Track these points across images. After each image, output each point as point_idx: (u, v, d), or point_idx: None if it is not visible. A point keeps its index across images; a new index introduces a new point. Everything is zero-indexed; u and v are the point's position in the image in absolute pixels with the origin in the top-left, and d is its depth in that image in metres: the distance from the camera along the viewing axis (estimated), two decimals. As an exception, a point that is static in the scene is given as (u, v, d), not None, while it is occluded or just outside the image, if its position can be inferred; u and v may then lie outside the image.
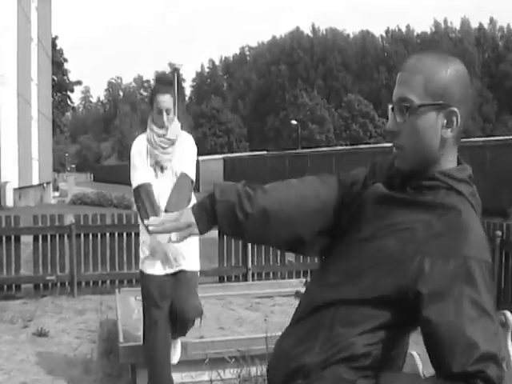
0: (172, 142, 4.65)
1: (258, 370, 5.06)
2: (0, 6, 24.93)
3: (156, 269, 4.55)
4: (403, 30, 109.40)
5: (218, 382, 5.25)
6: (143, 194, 4.50)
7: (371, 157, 30.78)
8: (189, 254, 4.61)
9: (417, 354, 3.46)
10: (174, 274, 4.58)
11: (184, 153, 4.70)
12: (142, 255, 4.69)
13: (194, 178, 4.72)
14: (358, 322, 1.88)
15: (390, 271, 1.80)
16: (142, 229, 4.68)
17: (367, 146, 41.23)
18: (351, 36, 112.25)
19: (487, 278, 1.71)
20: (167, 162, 4.62)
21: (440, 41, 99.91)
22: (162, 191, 4.55)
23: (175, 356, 4.88)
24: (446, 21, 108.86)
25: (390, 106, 1.90)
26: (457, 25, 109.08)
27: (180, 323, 4.65)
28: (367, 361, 1.87)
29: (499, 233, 6.97)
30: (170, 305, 4.55)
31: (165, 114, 4.59)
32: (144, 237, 4.65)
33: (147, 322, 4.60)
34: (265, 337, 5.14)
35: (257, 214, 2.04)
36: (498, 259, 6.97)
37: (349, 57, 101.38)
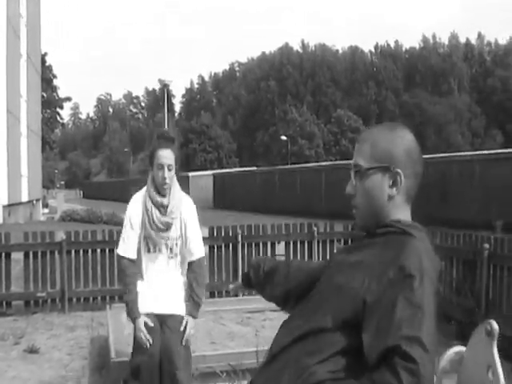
0: (169, 226, 4.51)
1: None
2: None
3: (144, 307, 4.50)
4: (392, 45, 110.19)
5: (209, 397, 5.27)
6: (123, 268, 4.53)
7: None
8: (178, 299, 4.64)
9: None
10: (163, 316, 4.54)
11: (187, 228, 4.60)
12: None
13: (203, 253, 4.69)
14: (321, 349, 1.98)
15: (345, 297, 1.98)
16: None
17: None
18: (340, 51, 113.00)
19: (425, 284, 1.87)
20: (161, 244, 4.53)
21: (428, 56, 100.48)
22: (152, 266, 4.56)
23: None
24: (434, 36, 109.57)
25: (351, 172, 2.16)
26: (445, 40, 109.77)
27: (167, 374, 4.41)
28: None
29: (487, 245, 7.04)
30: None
31: (166, 169, 4.45)
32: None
33: (135, 346, 4.51)
34: (255, 351, 5.20)
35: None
36: (485, 272, 7.05)
37: (338, 72, 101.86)
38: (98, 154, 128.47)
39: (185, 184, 44.12)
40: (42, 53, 49.17)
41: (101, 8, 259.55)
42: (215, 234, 9.44)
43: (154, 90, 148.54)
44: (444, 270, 7.72)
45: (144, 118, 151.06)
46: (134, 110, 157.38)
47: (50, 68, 63.33)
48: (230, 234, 9.46)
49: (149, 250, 4.54)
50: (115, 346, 5.62)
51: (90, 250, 9.00)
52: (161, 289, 4.56)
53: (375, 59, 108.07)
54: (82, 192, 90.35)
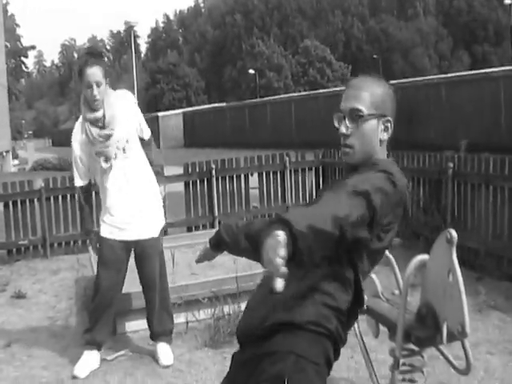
0: (108, 136, 4.54)
1: (231, 309, 5.36)
2: None
3: (111, 233, 4.68)
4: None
5: (193, 323, 5.54)
6: (78, 198, 4.95)
7: (329, 101, 31.06)
8: (147, 222, 4.74)
9: (375, 276, 3.79)
10: (132, 242, 4.73)
11: (127, 120, 4.64)
12: (101, 218, 4.81)
13: (149, 132, 4.87)
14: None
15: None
16: (102, 194, 4.81)
17: (325, 90, 41.40)
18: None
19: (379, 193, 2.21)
20: (110, 153, 4.57)
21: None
22: (115, 178, 4.62)
23: (165, 359, 4.89)
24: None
25: (340, 115, 2.46)
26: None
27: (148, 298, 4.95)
28: (334, 300, 2.30)
29: (451, 164, 7.31)
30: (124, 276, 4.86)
31: (95, 87, 4.39)
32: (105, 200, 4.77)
33: (95, 284, 4.88)
34: (235, 276, 5.48)
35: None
36: (450, 189, 7.34)
37: (304, 2, 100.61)
38: (65, 101, 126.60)
39: (154, 124, 43.56)
40: (4, 2, 48.03)
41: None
42: (189, 170, 9.59)
43: (118, 32, 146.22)
44: (412, 190, 7.99)
45: (110, 61, 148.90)
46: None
47: (12, 17, 62.08)
48: (204, 170, 9.60)
49: (106, 161, 4.57)
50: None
51: (68, 196, 9.13)
52: (127, 209, 4.67)
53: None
54: (51, 140, 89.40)
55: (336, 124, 2.48)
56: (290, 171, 10.01)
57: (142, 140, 4.78)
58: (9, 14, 58.14)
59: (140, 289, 5.68)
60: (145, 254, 4.76)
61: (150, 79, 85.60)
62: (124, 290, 5.17)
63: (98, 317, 4.83)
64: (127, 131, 4.61)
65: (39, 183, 9.11)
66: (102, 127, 4.51)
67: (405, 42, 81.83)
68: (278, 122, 37.34)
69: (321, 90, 41.49)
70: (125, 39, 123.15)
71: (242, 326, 2.49)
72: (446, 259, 3.19)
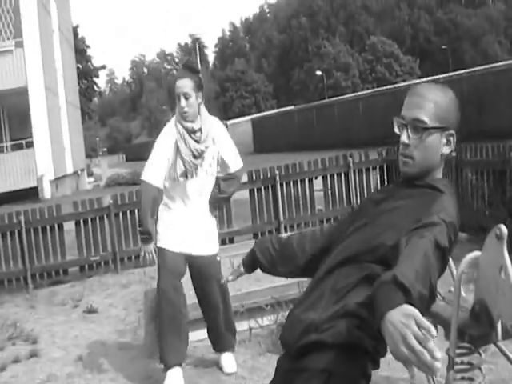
0: (203, 153, 4.55)
1: (293, 314, 5.36)
2: (21, 4, 25.24)
3: (171, 245, 4.67)
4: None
5: (256, 330, 5.58)
6: (144, 194, 4.59)
7: (398, 96, 30.66)
8: (207, 239, 4.76)
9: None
10: (191, 257, 4.73)
11: (219, 143, 4.66)
12: (159, 231, 4.76)
13: (240, 165, 4.83)
14: (355, 273, 2.26)
15: (395, 231, 2.19)
16: (164, 206, 4.76)
17: (393, 86, 40.89)
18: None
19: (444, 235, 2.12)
20: (196, 169, 4.56)
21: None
22: (187, 193, 4.61)
23: (229, 367, 4.94)
24: None
25: (402, 122, 2.36)
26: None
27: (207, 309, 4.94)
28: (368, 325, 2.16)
29: (517, 153, 7.09)
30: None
31: (183, 98, 4.40)
32: (160, 214, 4.76)
33: (158, 289, 4.81)
34: (297, 282, 5.43)
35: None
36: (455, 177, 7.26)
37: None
38: (137, 116, 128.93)
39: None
40: (74, 25, 49.37)
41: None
42: (253, 177, 9.66)
43: (186, 44, 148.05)
44: (475, 183, 7.83)
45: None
46: (169, 67, 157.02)
47: (82, 40, 63.62)
48: (268, 176, 9.67)
49: (186, 176, 4.55)
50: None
51: (136, 210, 9.30)
52: (191, 223, 4.68)
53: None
54: (124, 156, 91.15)
55: (396, 130, 2.39)
56: (354, 172, 9.95)
57: (228, 172, 4.80)
58: (79, 36, 59.52)
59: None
60: (204, 271, 4.77)
61: (219, 88, 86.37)
62: (190, 300, 5.26)
63: (169, 333, 4.76)
64: (216, 153, 4.64)
65: (107, 200, 9.32)
66: (198, 141, 4.52)
67: (474, 30, 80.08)
68: (346, 122, 37.10)
69: (388, 86, 41.00)
70: (192, 51, 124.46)
71: (282, 337, 2.47)
72: (497, 255, 3.13)
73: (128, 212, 9.35)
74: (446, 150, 2.36)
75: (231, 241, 9.52)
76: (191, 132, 4.48)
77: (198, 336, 5.61)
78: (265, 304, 5.63)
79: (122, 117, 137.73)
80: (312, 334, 2.26)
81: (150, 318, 6.55)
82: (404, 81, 56.66)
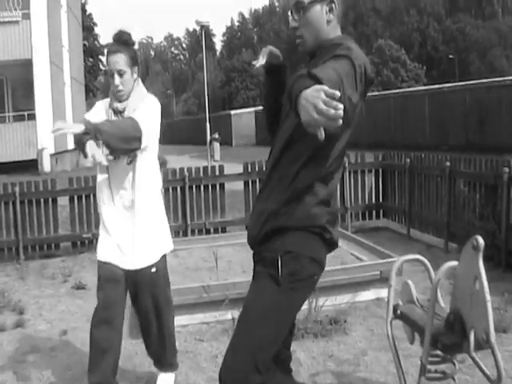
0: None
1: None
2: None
3: (108, 256, 4.06)
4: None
5: (239, 320, 5.67)
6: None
7: (402, 101, 30.78)
8: (141, 249, 4.03)
9: (411, 282, 3.84)
10: (132, 271, 4.05)
11: (148, 120, 3.88)
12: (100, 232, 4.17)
13: (141, 126, 3.73)
14: (293, 160, 2.59)
15: None
16: (99, 201, 4.12)
17: (398, 90, 40.92)
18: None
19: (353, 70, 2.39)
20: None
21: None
22: (111, 184, 4.03)
23: None
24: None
25: (289, 12, 2.64)
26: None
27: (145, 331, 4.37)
28: (321, 192, 2.62)
29: (506, 169, 7.19)
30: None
31: (116, 76, 3.89)
32: (101, 210, 4.13)
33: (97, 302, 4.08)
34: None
35: None
36: (505, 195, 7.23)
37: (379, 1, 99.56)
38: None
39: (227, 122, 43.87)
40: (82, 1, 49.29)
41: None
42: (249, 169, 9.74)
43: (194, 30, 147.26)
44: (467, 195, 7.93)
45: (186, 59, 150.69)
46: (176, 52, 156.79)
47: (90, 16, 63.34)
48: (264, 169, 9.74)
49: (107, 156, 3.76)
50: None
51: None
52: (119, 227, 4.03)
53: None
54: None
55: (290, 23, 2.66)
56: (350, 172, 10.02)
57: None
58: (87, 13, 59.34)
59: (190, 284, 5.91)
60: (136, 283, 4.12)
61: (225, 77, 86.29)
62: (174, 286, 5.35)
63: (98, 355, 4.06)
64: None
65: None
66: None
67: (482, 41, 79.98)
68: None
69: (393, 91, 41.02)
70: (200, 38, 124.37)
71: (249, 234, 2.88)
72: (472, 266, 3.21)
73: (123, 193, 9.44)
74: (330, 17, 2.62)
75: (223, 230, 9.62)
76: (118, 112, 3.99)
77: (185, 321, 5.74)
78: (249, 295, 5.70)
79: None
80: (272, 221, 2.63)
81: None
82: (409, 87, 56.57)
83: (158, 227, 4.15)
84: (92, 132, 3.43)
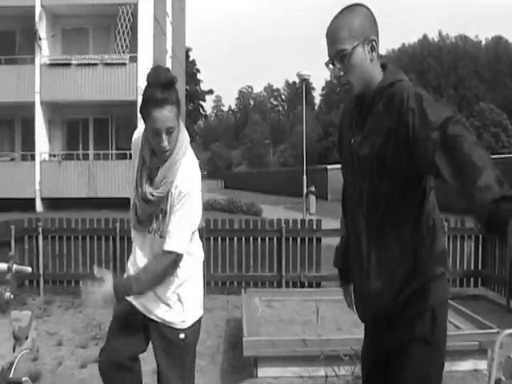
0: (149, 201, 3.24)
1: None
2: (139, 23, 26.42)
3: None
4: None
5: (332, 378, 5.61)
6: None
7: (502, 167, 30.08)
8: (176, 302, 3.38)
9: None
10: (152, 321, 3.40)
11: (172, 212, 3.20)
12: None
13: (175, 248, 3.16)
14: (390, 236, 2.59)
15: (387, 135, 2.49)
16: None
17: (499, 156, 40.05)
18: (483, 42, 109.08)
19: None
20: (146, 216, 3.32)
21: None
22: (140, 246, 3.42)
23: None
24: None
25: (329, 62, 2.58)
26: None
27: None
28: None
29: None
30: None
31: (165, 135, 3.06)
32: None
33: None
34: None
35: None
36: None
37: (481, 64, 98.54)
38: (239, 146, 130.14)
39: (323, 176, 43.64)
40: (187, 48, 50.90)
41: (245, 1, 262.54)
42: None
43: (294, 82, 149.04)
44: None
45: (284, 111, 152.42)
46: (275, 103, 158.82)
47: (193, 63, 65.36)
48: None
49: (138, 222, 3.34)
50: (248, 325, 6.09)
51: (227, 238, 9.59)
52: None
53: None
54: (223, 182, 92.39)
55: (331, 76, 2.64)
56: (449, 237, 9.80)
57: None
58: (190, 59, 61.16)
59: (285, 336, 5.92)
60: (158, 342, 3.42)
61: (322, 131, 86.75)
62: (269, 337, 5.38)
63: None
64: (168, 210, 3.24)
65: (201, 224, 9.57)
66: (151, 184, 3.24)
67: None
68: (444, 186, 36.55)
69: (493, 156, 40.12)
70: (299, 90, 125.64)
71: (367, 313, 2.79)
72: None
73: (219, 238, 9.62)
74: (373, 56, 2.56)
75: (318, 285, 9.61)
76: (147, 200, 3.25)
77: (274, 373, 5.74)
78: (343, 354, 5.66)
79: (224, 143, 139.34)
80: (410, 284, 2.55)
81: (229, 346, 6.75)
82: (510, 153, 55.34)
83: (189, 296, 3.43)
84: (122, 297, 3.12)
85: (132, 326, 3.40)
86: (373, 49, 2.56)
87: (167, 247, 3.13)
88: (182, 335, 3.35)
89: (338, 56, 2.54)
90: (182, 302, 3.37)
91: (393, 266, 2.56)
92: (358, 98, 2.66)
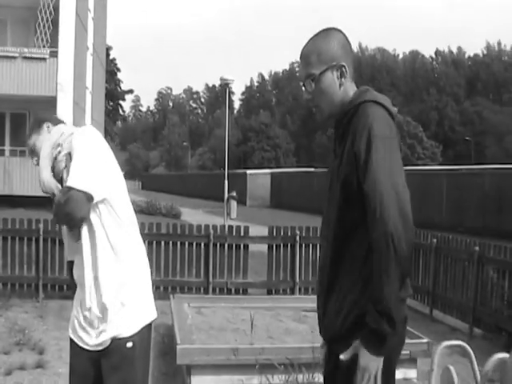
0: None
1: (305, 378, 5.40)
2: (60, 16, 25.84)
3: (76, 336, 3.20)
4: (454, 51, 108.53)
5: (266, 387, 5.60)
6: None
7: (418, 178, 30.87)
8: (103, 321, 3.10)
9: (453, 368, 3.80)
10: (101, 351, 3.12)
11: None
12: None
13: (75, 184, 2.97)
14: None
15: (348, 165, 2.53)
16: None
17: (416, 167, 41.09)
18: (401, 56, 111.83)
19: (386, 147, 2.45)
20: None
21: (491, 63, 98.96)
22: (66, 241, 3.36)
23: None
24: (499, 43, 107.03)
25: (302, 84, 2.67)
26: (509, 47, 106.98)
27: None
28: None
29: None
30: None
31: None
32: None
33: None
34: (312, 347, 5.44)
35: None
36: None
37: (398, 77, 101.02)
38: (157, 147, 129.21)
39: (242, 181, 43.76)
40: (107, 46, 50.18)
41: (167, 2, 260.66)
42: (274, 233, 9.77)
43: (214, 86, 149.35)
44: (496, 282, 7.90)
45: (203, 114, 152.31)
46: (194, 105, 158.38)
47: (114, 61, 64.40)
48: (289, 235, 9.77)
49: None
50: (180, 333, 6.02)
51: (154, 242, 9.45)
52: (78, 296, 3.21)
53: (436, 65, 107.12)
54: (140, 183, 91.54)
55: (304, 95, 2.69)
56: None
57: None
58: (111, 57, 60.37)
59: (217, 344, 5.87)
60: (108, 361, 3.14)
61: (242, 136, 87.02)
62: (201, 345, 5.30)
63: None
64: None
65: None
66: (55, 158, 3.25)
67: (499, 126, 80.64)
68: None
69: (408, 167, 41.16)
70: (219, 94, 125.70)
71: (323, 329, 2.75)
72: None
73: (146, 242, 9.44)
74: (342, 81, 2.62)
75: (244, 291, 9.58)
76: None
77: (206, 382, 5.68)
78: (278, 363, 5.64)
79: (142, 144, 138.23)
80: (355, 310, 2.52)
81: (159, 354, 6.65)
82: (425, 164, 56.88)
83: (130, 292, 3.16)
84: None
85: (90, 377, 3.18)
86: (342, 75, 2.61)
87: (67, 184, 3.00)
88: (129, 344, 3.09)
89: (307, 79, 2.62)
90: (126, 308, 3.11)
91: (345, 293, 2.56)
92: (336, 121, 2.72)
